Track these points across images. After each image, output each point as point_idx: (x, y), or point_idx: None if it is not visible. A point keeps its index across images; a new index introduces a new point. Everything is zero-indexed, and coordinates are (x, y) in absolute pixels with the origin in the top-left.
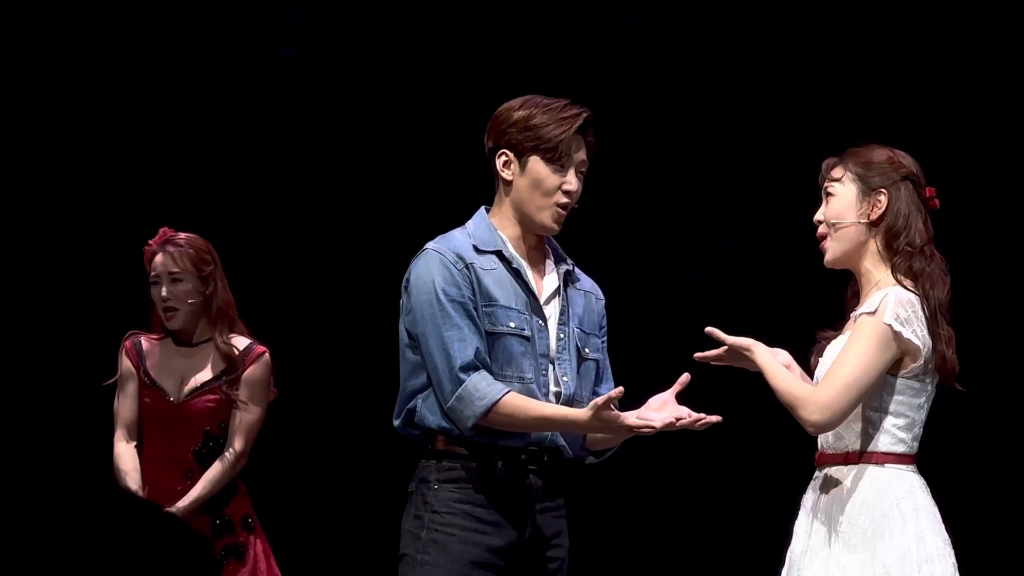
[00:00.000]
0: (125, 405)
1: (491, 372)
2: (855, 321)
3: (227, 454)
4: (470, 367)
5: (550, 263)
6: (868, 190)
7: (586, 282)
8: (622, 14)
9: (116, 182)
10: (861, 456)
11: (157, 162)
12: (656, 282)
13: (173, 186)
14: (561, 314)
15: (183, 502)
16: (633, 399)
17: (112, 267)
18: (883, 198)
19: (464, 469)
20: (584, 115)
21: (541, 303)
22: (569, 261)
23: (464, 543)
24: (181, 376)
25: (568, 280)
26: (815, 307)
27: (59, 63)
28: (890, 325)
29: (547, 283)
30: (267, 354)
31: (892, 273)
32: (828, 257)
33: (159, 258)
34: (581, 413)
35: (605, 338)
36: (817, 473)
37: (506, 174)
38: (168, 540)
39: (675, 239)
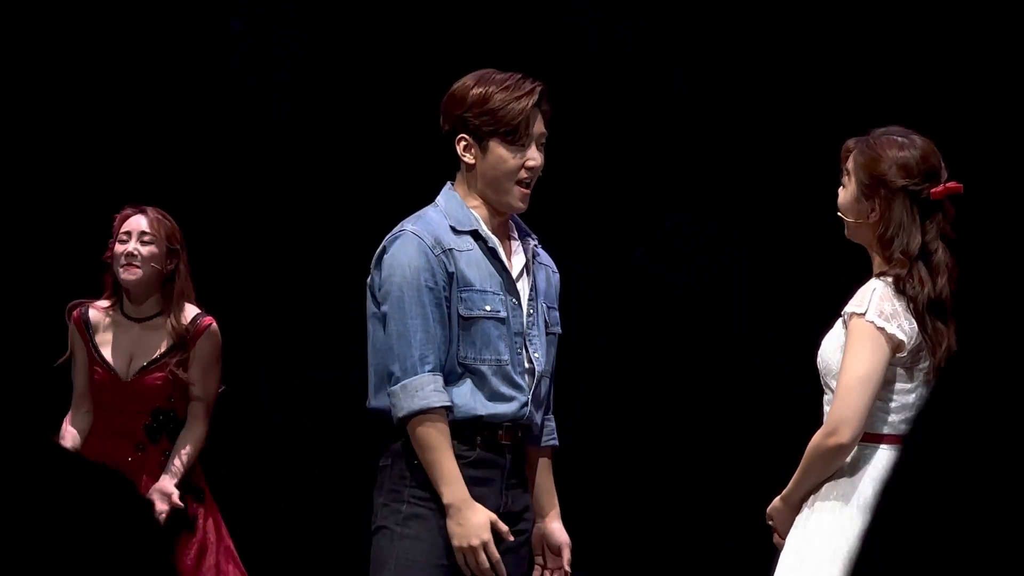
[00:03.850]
0: (79, 379)
1: (442, 372)
2: (847, 319)
3: (194, 430)
4: (427, 362)
5: (516, 239)
6: (866, 195)
7: (543, 255)
8: None
9: (77, 161)
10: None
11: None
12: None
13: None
14: (531, 290)
15: (169, 483)
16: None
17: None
18: (878, 209)
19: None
20: (539, 89)
21: (514, 281)
22: (534, 236)
23: (432, 511)
24: (130, 354)
25: (534, 256)
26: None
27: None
28: (873, 322)
29: (516, 260)
30: (214, 324)
31: (882, 267)
32: (846, 233)
33: (134, 218)
34: (460, 494)
35: (558, 311)
36: None
37: (467, 158)
38: (109, 495)
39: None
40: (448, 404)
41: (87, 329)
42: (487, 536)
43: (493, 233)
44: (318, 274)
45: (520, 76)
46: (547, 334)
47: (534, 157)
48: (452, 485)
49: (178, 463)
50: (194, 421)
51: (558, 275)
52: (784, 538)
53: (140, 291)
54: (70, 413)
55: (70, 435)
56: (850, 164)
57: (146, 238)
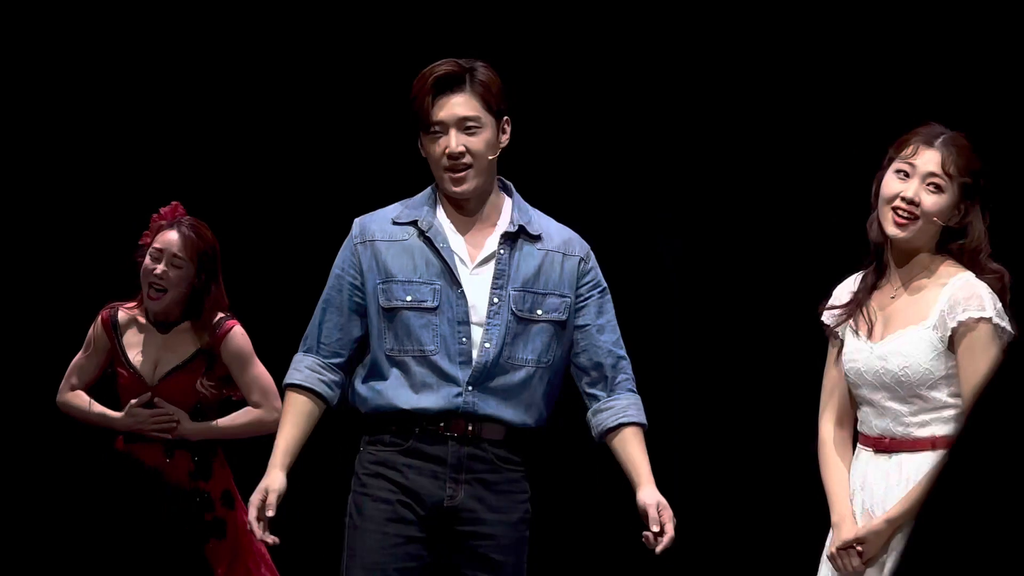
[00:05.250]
0: (87, 369)
1: (336, 358)
2: (968, 324)
3: (249, 411)
4: (306, 343)
5: (500, 225)
6: (961, 201)
7: (555, 239)
8: None
9: (106, 173)
10: (937, 443)
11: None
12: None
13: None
14: (497, 277)
15: (187, 424)
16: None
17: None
18: (967, 209)
19: (386, 433)
20: (432, 77)
21: (462, 269)
22: (527, 219)
23: (376, 501)
24: (156, 359)
25: (515, 240)
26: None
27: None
28: (997, 323)
29: (479, 248)
30: (237, 326)
31: (952, 268)
32: (904, 236)
33: (171, 235)
34: (271, 461)
35: (590, 296)
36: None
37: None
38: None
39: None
40: (305, 384)
41: (115, 330)
42: (267, 500)
43: (456, 222)
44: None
45: (436, 63)
46: (522, 321)
47: (448, 143)
48: (272, 457)
49: (212, 423)
50: (255, 409)
51: (577, 258)
52: (867, 560)
53: (167, 312)
54: (69, 392)
55: (86, 398)
56: (949, 169)
57: (176, 261)
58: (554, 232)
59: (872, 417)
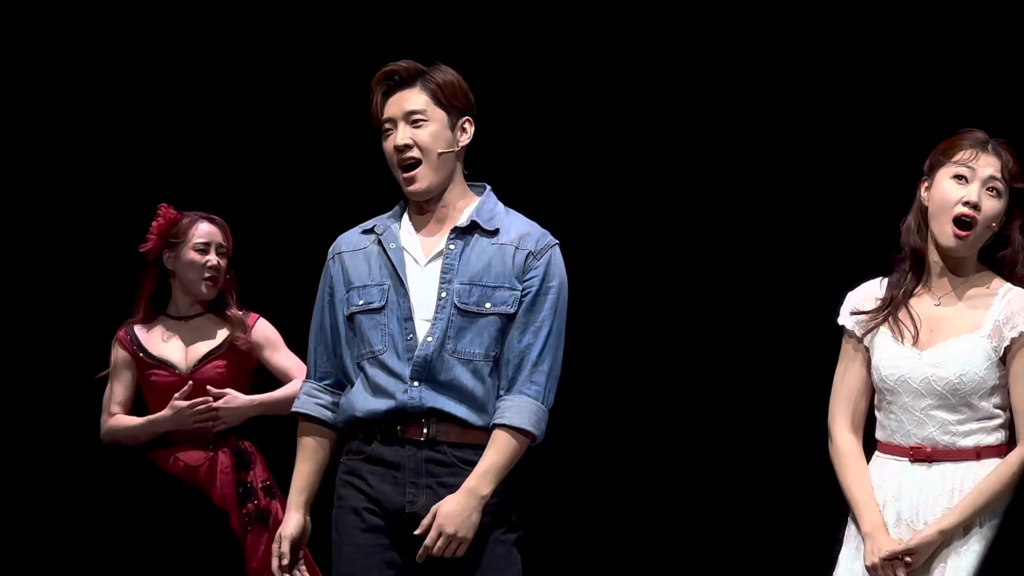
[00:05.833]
0: (118, 391)
1: (329, 378)
2: (1023, 336)
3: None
4: (308, 370)
5: (452, 224)
6: (1009, 208)
7: (511, 234)
8: None
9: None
10: (982, 453)
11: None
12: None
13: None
14: (444, 272)
15: (246, 398)
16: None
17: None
18: (1013, 224)
19: (355, 441)
20: (380, 74)
21: (413, 267)
22: (487, 216)
23: (348, 512)
24: (185, 349)
25: (467, 235)
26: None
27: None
28: None
29: (438, 244)
30: (261, 318)
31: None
32: (963, 249)
33: (208, 227)
34: (290, 499)
35: (527, 292)
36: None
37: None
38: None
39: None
40: (303, 411)
41: (134, 342)
42: (280, 548)
43: (414, 222)
44: None
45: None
46: (465, 315)
47: (396, 139)
48: (289, 499)
49: (263, 396)
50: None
51: (527, 252)
52: (912, 570)
53: (208, 299)
54: (112, 417)
55: (126, 417)
56: (1006, 174)
57: (222, 249)
58: (515, 228)
59: (910, 425)
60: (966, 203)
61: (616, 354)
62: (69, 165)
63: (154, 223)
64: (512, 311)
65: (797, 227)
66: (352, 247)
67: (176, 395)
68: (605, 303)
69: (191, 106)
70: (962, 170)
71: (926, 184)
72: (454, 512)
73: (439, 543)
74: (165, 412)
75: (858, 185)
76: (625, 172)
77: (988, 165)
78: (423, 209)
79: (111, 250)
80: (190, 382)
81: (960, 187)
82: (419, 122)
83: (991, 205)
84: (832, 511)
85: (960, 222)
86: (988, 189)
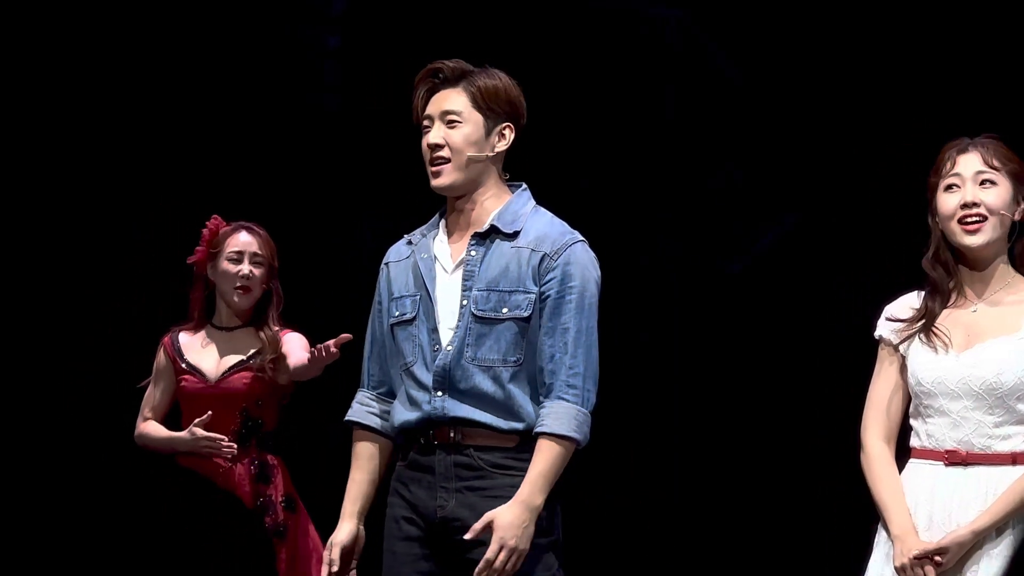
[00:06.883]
0: (154, 396)
1: (382, 387)
2: None
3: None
4: (362, 378)
5: (471, 227)
6: (1017, 193)
7: (531, 236)
8: None
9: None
10: (1018, 458)
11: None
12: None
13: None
14: (465, 279)
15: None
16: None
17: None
18: (1020, 202)
19: (400, 450)
20: (424, 72)
21: (442, 275)
22: (509, 218)
23: (390, 521)
24: (218, 358)
25: (486, 239)
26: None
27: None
28: None
29: (459, 252)
30: (291, 333)
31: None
32: (981, 240)
33: (244, 236)
34: (343, 508)
35: (547, 296)
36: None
37: None
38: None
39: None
40: (355, 420)
41: (175, 348)
42: (330, 555)
43: (449, 228)
44: None
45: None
46: (481, 321)
47: (429, 136)
48: (343, 507)
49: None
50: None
51: (541, 254)
52: (943, 571)
53: (245, 310)
54: (143, 423)
55: (155, 427)
56: (993, 161)
57: (257, 259)
58: (535, 229)
59: (946, 429)
60: (963, 205)
61: (616, 354)
62: (109, 176)
63: (203, 232)
64: (527, 314)
65: (797, 227)
66: (397, 257)
67: (195, 421)
68: (605, 303)
69: (238, 120)
70: (950, 179)
71: (931, 210)
72: (513, 524)
73: (501, 556)
74: (184, 435)
75: (858, 185)
76: (625, 172)
77: (970, 163)
78: (456, 214)
79: (152, 258)
80: (209, 412)
81: (955, 195)
82: (454, 123)
83: (990, 195)
84: (832, 511)
85: (965, 222)
86: (980, 183)
